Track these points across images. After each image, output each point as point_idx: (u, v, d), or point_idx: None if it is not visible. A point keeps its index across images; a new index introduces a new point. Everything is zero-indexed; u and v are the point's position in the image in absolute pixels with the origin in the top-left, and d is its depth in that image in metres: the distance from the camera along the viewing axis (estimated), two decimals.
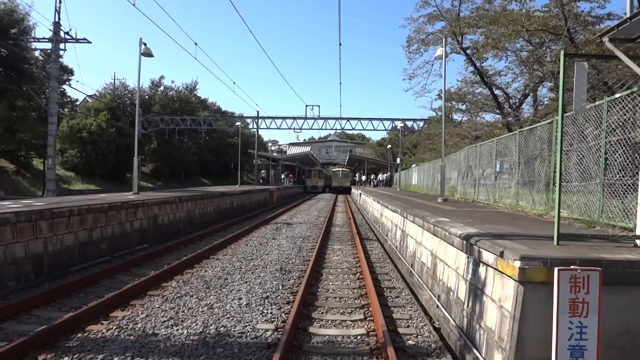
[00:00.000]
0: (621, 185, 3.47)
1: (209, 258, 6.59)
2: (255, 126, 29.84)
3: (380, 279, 5.59)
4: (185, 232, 9.45)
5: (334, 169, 44.78)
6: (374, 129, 29.51)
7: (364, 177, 32.76)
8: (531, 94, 13.08)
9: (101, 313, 3.82)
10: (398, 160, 25.43)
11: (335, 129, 31.29)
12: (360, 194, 20.72)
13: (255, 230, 10.35)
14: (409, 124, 29.94)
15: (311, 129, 30.14)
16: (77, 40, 12.73)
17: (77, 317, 3.55)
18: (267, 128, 30.08)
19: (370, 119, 29.41)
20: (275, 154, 64.67)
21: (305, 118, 29.88)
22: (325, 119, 29.80)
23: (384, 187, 28.67)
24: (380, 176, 30.23)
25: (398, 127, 24.84)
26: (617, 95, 3.63)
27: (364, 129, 29.67)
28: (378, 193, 16.31)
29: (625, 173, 3.43)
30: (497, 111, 14.68)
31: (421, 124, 29.53)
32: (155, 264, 6.03)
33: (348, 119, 29.64)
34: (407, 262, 6.04)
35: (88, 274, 5.01)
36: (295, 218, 13.74)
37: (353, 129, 29.73)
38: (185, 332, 3.45)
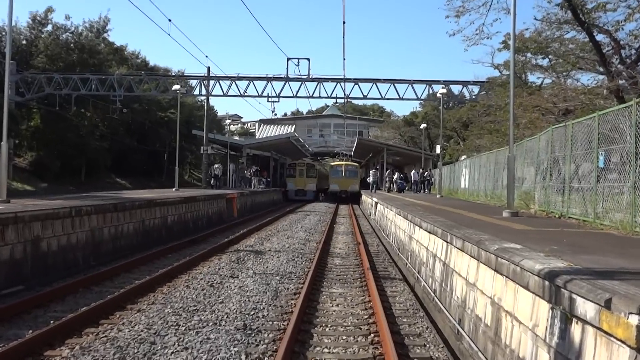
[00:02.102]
0: None
1: (125, 308, 6.58)
2: (204, 92, 30.13)
3: (408, 343, 5.56)
4: (86, 265, 9.56)
5: (333, 163, 45.10)
6: (399, 98, 29.24)
7: (386, 175, 32.94)
8: None
9: None
10: (438, 149, 25.35)
11: (335, 98, 31.06)
12: (376, 203, 21.06)
13: (204, 263, 10.49)
14: (455, 89, 28.90)
15: (296, 97, 29.37)
16: None
17: None
18: (224, 95, 29.73)
19: (393, 81, 28.65)
20: (237, 138, 65.22)
21: (287, 80, 29.10)
22: (319, 80, 28.98)
23: (416, 192, 28.83)
24: (412, 174, 30.30)
25: (438, 95, 24.02)
26: None
27: (382, 98, 29.58)
28: (405, 203, 16.48)
29: None
30: (601, 69, 13.80)
31: (475, 89, 29.32)
32: (30, 321, 5.89)
33: (356, 81, 28.72)
34: (452, 316, 6.09)
35: None
36: (268, 243, 13.96)
37: (365, 97, 28.98)
38: None
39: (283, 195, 39.92)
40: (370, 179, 30.92)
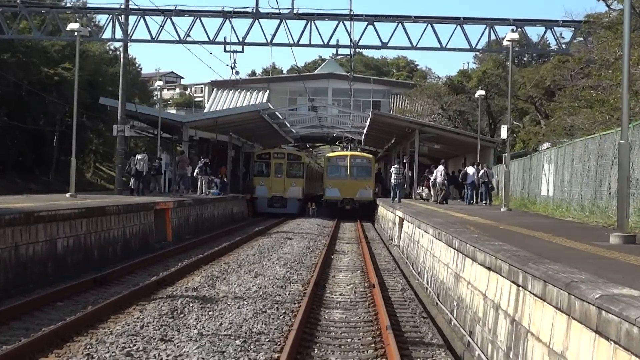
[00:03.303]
0: None
1: None
2: (120, 35, 30.19)
3: None
4: None
5: (332, 154, 46.55)
6: (441, 48, 29.02)
7: (426, 174, 32.95)
8: None
9: None
10: (504, 133, 25.22)
11: (336, 47, 30.49)
12: (401, 220, 21.23)
13: (117, 317, 10.52)
14: (532, 33, 30.46)
15: (271, 44, 29.09)
16: None
17: None
18: (154, 41, 29.38)
19: (430, 20, 28.30)
20: (174, 112, 64.67)
21: (257, 16, 28.97)
22: (310, 17, 28.77)
23: (470, 203, 28.80)
24: (469, 169, 29.68)
25: (505, 43, 24.35)
26: None
27: (412, 47, 29.16)
28: (449, 220, 16.50)
29: None
30: None
31: (566, 34, 30.08)
32: None
33: (369, 20, 28.21)
34: None
35: None
36: (224, 284, 14.05)
37: (384, 45, 28.64)
38: None
39: (249, 206, 40.25)
40: (393, 180, 30.91)
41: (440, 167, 29.59)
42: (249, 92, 63.73)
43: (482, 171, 28.91)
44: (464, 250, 9.89)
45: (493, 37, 28.48)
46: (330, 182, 40.32)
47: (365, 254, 19.81)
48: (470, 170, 28.85)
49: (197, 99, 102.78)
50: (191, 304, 11.51)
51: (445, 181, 29.73)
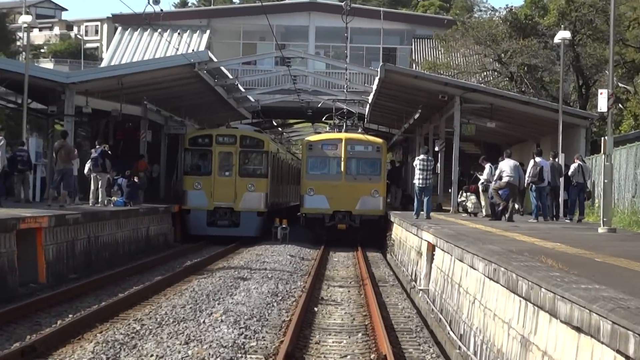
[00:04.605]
0: None
1: None
2: None
3: None
4: None
5: (315, 138, 46.82)
6: None
7: (486, 175, 32.49)
8: None
9: None
10: (603, 103, 25.24)
11: None
12: (432, 247, 21.21)
13: None
14: None
15: None
16: None
17: None
18: None
19: None
20: (51, 67, 62.73)
21: None
22: None
23: (548, 221, 29.04)
24: (542, 163, 29.54)
25: None
26: None
27: None
28: (511, 248, 16.51)
29: None
30: None
31: None
32: None
33: None
34: None
35: None
36: (131, 358, 13.96)
37: None
38: None
39: (177, 225, 40.39)
40: (417, 182, 30.76)
41: (510, 162, 28.80)
42: (176, 34, 63.01)
43: (575, 166, 28.95)
44: (536, 298, 9.87)
45: None
46: (313, 185, 40.49)
47: (371, 305, 19.74)
48: (545, 165, 28.95)
49: (89, 45, 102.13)
50: None
51: (522, 181, 29.19)
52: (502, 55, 51.50)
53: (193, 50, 53.48)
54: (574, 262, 12.61)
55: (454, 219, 29.36)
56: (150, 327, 16.42)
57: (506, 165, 28.74)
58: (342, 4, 51.10)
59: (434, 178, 32.56)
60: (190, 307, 19.07)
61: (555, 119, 33.85)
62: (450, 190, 37.25)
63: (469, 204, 33.15)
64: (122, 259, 29.44)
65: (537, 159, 28.87)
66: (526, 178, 29.32)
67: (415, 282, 23.32)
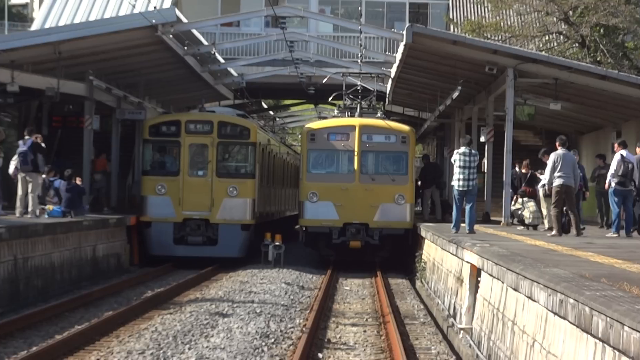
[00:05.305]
0: None
1: None
2: None
3: None
4: None
5: (318, 125, 47.74)
6: None
7: (541, 173, 32.66)
8: None
9: None
10: None
11: None
12: (477, 272, 21.62)
13: None
14: None
15: None
16: None
17: None
18: None
19: None
20: None
21: None
22: None
23: (627, 229, 29.96)
24: (630, 158, 29.74)
25: None
26: None
27: None
28: (589, 273, 16.66)
29: None
30: None
31: None
32: None
33: None
34: None
35: None
36: None
37: None
38: None
39: (134, 242, 40.89)
40: (456, 183, 30.80)
41: (565, 154, 29.08)
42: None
43: None
44: (617, 339, 9.76)
45: None
46: (317, 188, 40.94)
47: (395, 350, 19.92)
48: (633, 160, 29.01)
49: (15, 1, 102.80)
50: None
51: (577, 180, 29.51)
52: (570, 12, 51.60)
53: (155, 7, 53.26)
54: None
55: (506, 234, 29.50)
56: None
57: (560, 159, 28.71)
58: None
59: (479, 178, 32.49)
60: (152, 354, 19.08)
61: None
62: (502, 194, 37.18)
63: (527, 213, 33.19)
64: (60, 288, 29.55)
65: (623, 152, 28.94)
66: (608, 177, 29.45)
67: (454, 319, 23.35)
